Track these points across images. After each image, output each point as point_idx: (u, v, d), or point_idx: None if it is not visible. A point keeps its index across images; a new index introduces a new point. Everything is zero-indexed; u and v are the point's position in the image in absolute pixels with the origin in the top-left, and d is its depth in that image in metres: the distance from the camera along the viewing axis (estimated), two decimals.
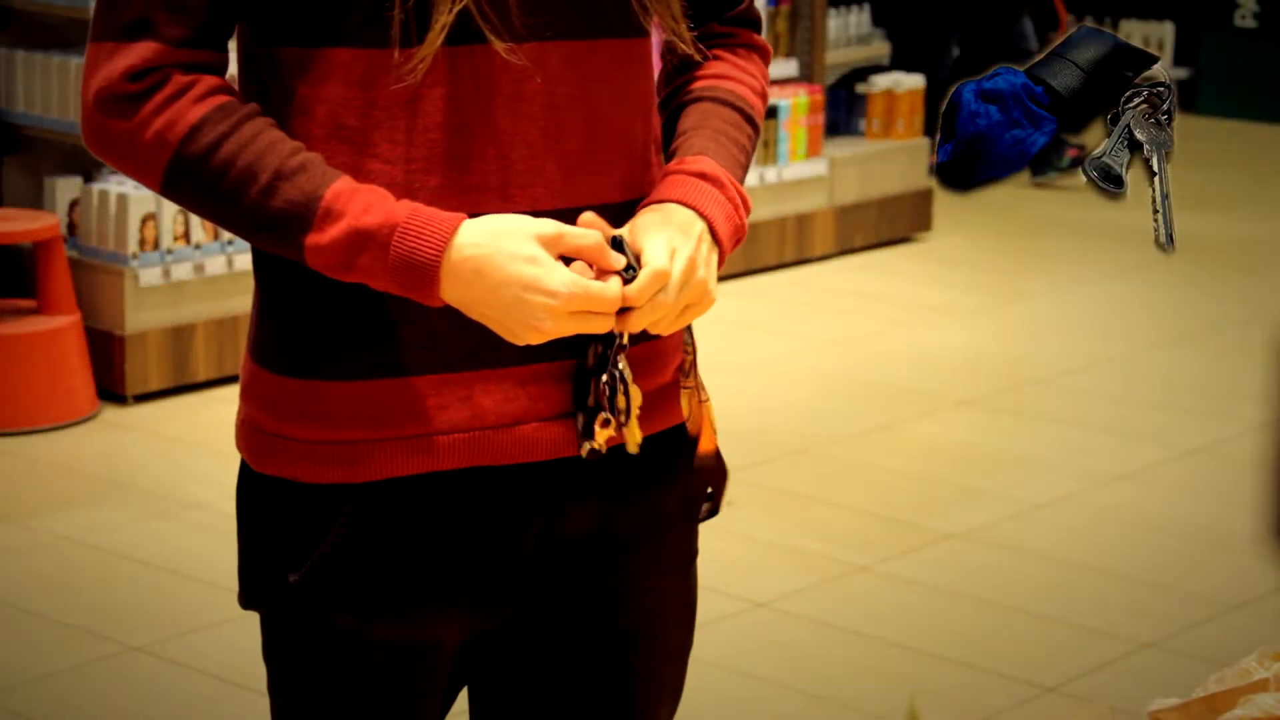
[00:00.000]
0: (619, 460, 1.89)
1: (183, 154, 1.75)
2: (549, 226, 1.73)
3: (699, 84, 1.96)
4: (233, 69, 1.82)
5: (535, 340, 1.74)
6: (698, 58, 1.92)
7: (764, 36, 2.03)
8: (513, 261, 1.71)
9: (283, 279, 1.84)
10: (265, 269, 1.86)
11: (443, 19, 1.74)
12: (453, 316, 1.79)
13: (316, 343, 1.82)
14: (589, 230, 1.75)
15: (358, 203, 1.73)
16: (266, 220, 1.74)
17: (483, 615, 1.89)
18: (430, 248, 1.72)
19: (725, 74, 1.97)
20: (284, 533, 1.86)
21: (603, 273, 1.75)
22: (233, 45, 1.83)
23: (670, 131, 1.95)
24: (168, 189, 1.78)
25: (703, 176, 1.86)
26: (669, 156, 1.92)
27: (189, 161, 1.75)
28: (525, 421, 1.84)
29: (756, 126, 1.97)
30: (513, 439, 1.83)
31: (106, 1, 1.77)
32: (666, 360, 1.92)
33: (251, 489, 1.90)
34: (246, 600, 1.93)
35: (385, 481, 1.82)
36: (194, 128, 1.74)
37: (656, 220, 1.81)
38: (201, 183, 1.76)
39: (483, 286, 1.72)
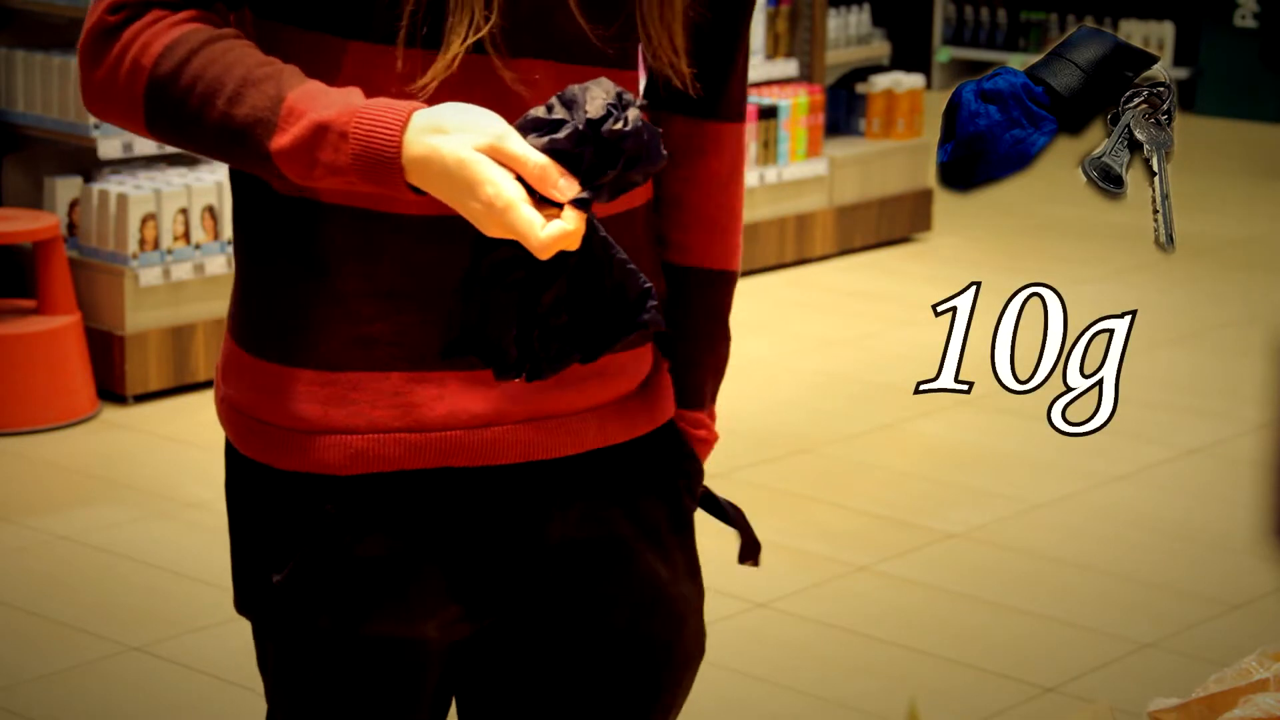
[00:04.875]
0: (604, 464, 1.89)
1: (155, 76, 1.70)
2: (490, 133, 1.62)
3: (695, 256, 2.00)
4: None
5: (495, 207, 1.59)
6: (692, 94, 1.89)
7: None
8: (456, 159, 1.61)
9: (262, 261, 1.83)
10: (246, 249, 1.86)
11: (454, 49, 1.72)
12: (424, 315, 1.79)
13: (290, 328, 1.82)
14: (530, 152, 1.61)
15: (321, 100, 1.67)
16: (234, 130, 1.68)
17: (466, 612, 1.87)
18: (386, 130, 1.64)
19: (722, 228, 2.01)
20: (268, 528, 1.86)
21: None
22: None
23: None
24: (150, 118, 1.72)
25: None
26: (674, 346, 1.99)
27: (161, 83, 1.70)
28: (497, 424, 1.83)
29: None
30: (484, 440, 1.83)
31: None
32: (628, 369, 1.91)
33: (237, 473, 1.90)
34: (240, 604, 1.93)
35: (365, 478, 1.82)
36: (167, 47, 1.70)
37: None
38: (175, 103, 1.70)
39: (436, 173, 1.63)
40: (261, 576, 1.87)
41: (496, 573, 1.87)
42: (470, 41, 1.73)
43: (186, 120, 1.71)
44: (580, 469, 1.88)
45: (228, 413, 1.88)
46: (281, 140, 1.66)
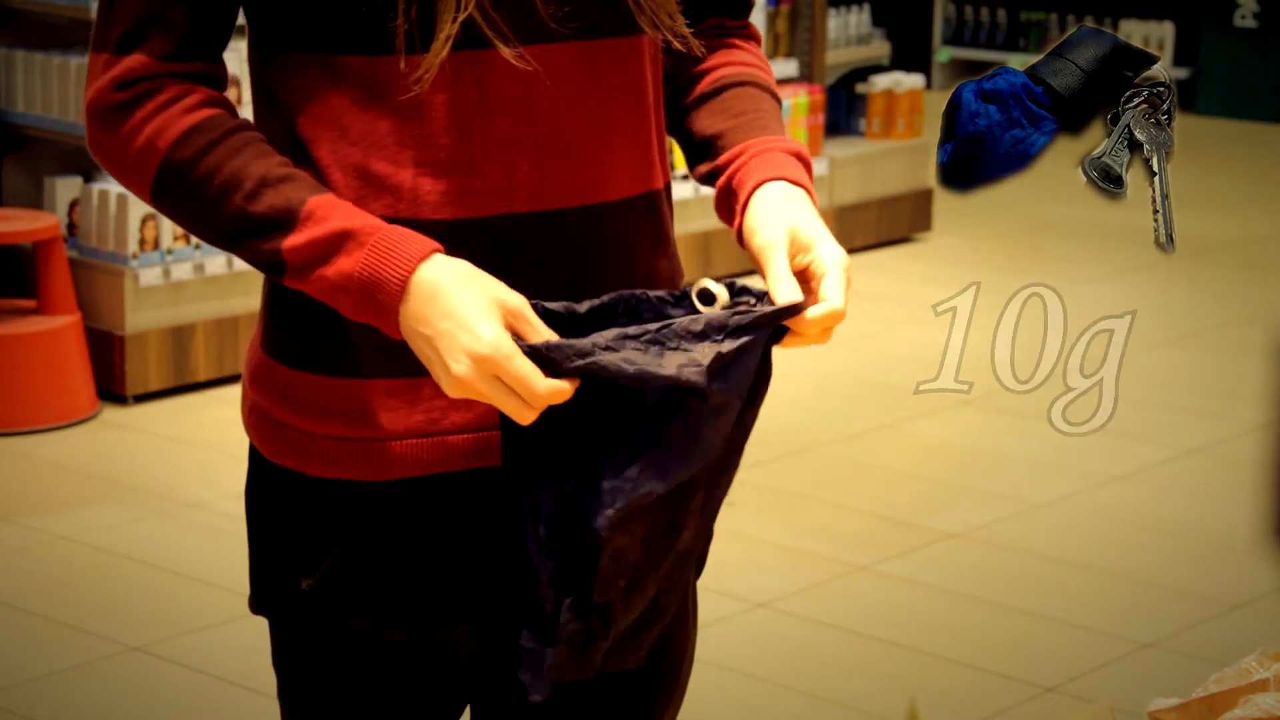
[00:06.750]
0: None
1: (171, 160, 1.75)
2: (513, 300, 1.70)
3: (733, 69, 1.96)
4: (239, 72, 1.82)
5: (452, 389, 1.69)
6: (698, 53, 1.92)
7: (763, 36, 2.05)
8: (466, 299, 1.68)
9: None
10: None
11: (446, 29, 1.74)
12: None
13: (326, 340, 1.83)
14: (543, 330, 1.70)
15: (341, 210, 1.73)
16: (248, 225, 1.74)
17: (495, 616, 1.88)
18: (407, 252, 1.71)
19: (753, 64, 1.98)
20: (295, 533, 1.86)
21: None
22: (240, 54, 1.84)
23: (698, 107, 1.94)
24: (156, 196, 1.78)
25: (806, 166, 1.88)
26: (724, 134, 1.91)
27: (176, 167, 1.75)
28: None
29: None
30: None
31: (103, 13, 1.79)
32: None
33: (263, 480, 1.90)
34: (257, 605, 1.93)
35: (396, 483, 1.83)
36: (183, 134, 1.75)
37: (818, 227, 1.81)
38: (188, 189, 1.76)
39: (431, 310, 1.69)
40: (286, 579, 1.87)
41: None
42: (461, 18, 1.74)
43: (195, 205, 1.76)
44: None
45: (256, 420, 1.89)
46: (298, 239, 1.72)
